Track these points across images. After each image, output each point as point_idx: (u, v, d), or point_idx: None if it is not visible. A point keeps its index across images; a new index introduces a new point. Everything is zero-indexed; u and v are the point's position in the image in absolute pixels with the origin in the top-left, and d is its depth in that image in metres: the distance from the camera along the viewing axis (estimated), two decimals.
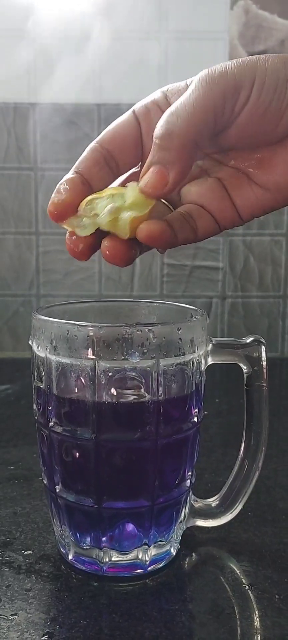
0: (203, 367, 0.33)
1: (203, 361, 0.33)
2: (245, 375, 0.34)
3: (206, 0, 0.77)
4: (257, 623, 0.29)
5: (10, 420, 0.57)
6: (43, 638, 0.27)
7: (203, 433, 0.35)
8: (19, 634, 0.27)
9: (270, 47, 0.77)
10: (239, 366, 0.34)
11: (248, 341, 0.34)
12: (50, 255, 0.81)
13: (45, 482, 0.33)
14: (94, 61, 0.77)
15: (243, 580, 0.32)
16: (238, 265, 0.82)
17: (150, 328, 0.30)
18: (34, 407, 0.34)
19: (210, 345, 0.34)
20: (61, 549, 0.34)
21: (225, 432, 0.56)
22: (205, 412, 0.35)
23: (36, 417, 0.33)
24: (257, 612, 0.29)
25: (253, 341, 0.34)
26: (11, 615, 0.29)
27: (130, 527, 0.31)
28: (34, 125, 0.79)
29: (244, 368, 0.34)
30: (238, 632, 0.28)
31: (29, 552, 0.34)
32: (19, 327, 0.82)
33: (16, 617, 0.29)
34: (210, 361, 0.34)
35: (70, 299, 0.81)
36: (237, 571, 0.33)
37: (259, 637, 0.28)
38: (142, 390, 0.30)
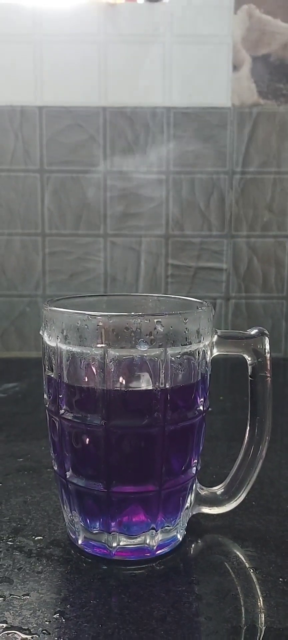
0: (208, 358, 0.34)
1: (208, 352, 0.34)
2: (249, 366, 0.35)
3: (210, 5, 0.78)
4: (260, 603, 0.29)
5: (18, 416, 0.58)
6: (55, 616, 0.28)
7: (208, 429, 0.36)
8: (31, 612, 0.28)
9: (273, 50, 0.78)
10: (243, 361, 0.35)
11: (252, 333, 0.35)
12: (57, 257, 0.82)
13: (55, 468, 0.34)
14: (100, 65, 0.79)
15: (248, 565, 0.33)
16: (242, 266, 0.83)
17: (158, 318, 0.31)
18: (45, 396, 0.35)
19: (216, 336, 0.35)
20: (71, 534, 0.34)
21: (230, 427, 0.57)
22: (210, 409, 0.35)
23: (47, 406, 0.34)
24: (260, 594, 0.30)
25: (257, 333, 0.35)
26: (23, 595, 0.30)
27: (138, 511, 0.32)
28: (41, 128, 0.80)
29: (248, 359, 0.35)
30: (243, 611, 0.29)
31: (39, 537, 0.35)
32: (25, 327, 0.83)
33: (28, 597, 0.29)
34: (215, 352, 0.35)
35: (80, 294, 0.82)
36: (242, 556, 0.34)
37: (263, 616, 0.28)
38: (150, 378, 0.31)
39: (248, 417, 0.35)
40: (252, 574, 0.32)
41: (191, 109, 0.80)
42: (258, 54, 0.78)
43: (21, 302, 0.83)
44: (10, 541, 0.35)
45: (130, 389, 0.31)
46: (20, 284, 0.83)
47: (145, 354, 0.31)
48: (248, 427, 0.35)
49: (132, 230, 0.82)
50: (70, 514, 0.34)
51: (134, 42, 0.79)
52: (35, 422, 0.56)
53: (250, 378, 0.35)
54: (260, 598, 0.30)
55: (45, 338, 0.34)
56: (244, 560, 0.33)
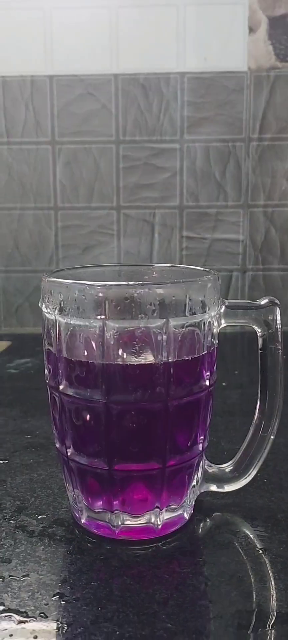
0: (215, 330, 0.33)
1: (215, 323, 0.32)
2: (259, 338, 0.33)
3: None
4: (270, 586, 0.28)
5: (29, 392, 0.58)
6: (54, 598, 0.27)
7: (222, 404, 0.34)
8: (30, 594, 0.27)
9: None
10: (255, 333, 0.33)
11: (262, 303, 0.33)
12: (70, 231, 0.81)
13: (57, 445, 0.33)
14: (111, 31, 0.76)
15: (257, 545, 0.31)
16: (259, 237, 0.81)
17: (159, 287, 0.29)
18: (46, 371, 0.34)
19: (223, 307, 0.33)
20: (74, 513, 0.33)
21: (244, 403, 0.55)
22: (224, 383, 0.34)
23: (47, 381, 0.33)
24: (270, 576, 0.29)
25: (267, 303, 0.33)
26: (23, 576, 0.29)
27: (141, 490, 0.31)
28: (52, 98, 0.78)
29: (258, 331, 0.33)
30: (250, 595, 0.27)
31: (42, 516, 0.34)
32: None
33: (28, 578, 0.29)
34: (223, 323, 0.33)
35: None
36: (251, 536, 0.32)
37: (272, 600, 0.27)
38: (152, 351, 0.30)
39: (259, 391, 0.34)
40: (261, 554, 0.30)
41: (206, 74, 0.77)
42: (276, 15, 0.74)
43: (35, 277, 0.82)
44: (13, 520, 0.34)
45: (131, 362, 0.30)
46: (34, 259, 0.82)
47: (147, 326, 0.29)
48: (258, 402, 0.34)
49: (146, 202, 0.80)
50: (73, 493, 0.33)
51: (146, 6, 0.76)
52: (45, 398, 0.55)
53: (260, 350, 0.34)
54: (270, 581, 0.28)
55: (44, 311, 0.33)
56: (254, 540, 0.32)
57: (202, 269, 0.35)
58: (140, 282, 0.30)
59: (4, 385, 0.60)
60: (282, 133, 0.78)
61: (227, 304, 0.33)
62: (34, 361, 0.68)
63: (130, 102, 0.78)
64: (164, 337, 0.30)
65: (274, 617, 0.26)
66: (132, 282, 0.30)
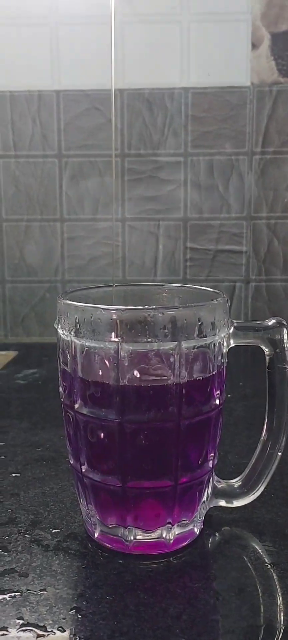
0: (225, 350, 0.34)
1: (225, 343, 0.33)
2: (266, 357, 0.34)
3: None
4: (279, 601, 0.29)
5: (38, 403, 0.59)
6: (71, 612, 0.28)
7: (227, 416, 0.35)
8: (48, 608, 0.28)
9: None
10: (261, 349, 0.34)
11: (270, 323, 0.34)
12: (75, 242, 0.82)
13: (71, 462, 0.34)
14: (116, 46, 0.78)
15: (266, 560, 0.32)
16: (262, 248, 0.82)
17: (171, 311, 0.31)
18: (60, 389, 0.35)
19: (232, 327, 0.34)
20: (88, 528, 0.35)
21: (250, 415, 0.56)
22: (229, 395, 0.35)
23: (62, 399, 0.34)
24: (279, 590, 0.30)
25: (275, 323, 0.34)
26: (40, 590, 0.30)
27: (154, 506, 0.32)
28: (58, 112, 0.79)
29: (266, 350, 0.34)
30: (261, 609, 0.28)
31: (56, 530, 0.35)
32: (45, 312, 0.84)
33: (45, 592, 0.30)
34: (232, 343, 0.34)
35: (95, 284, 0.82)
36: (260, 551, 0.33)
37: (281, 614, 0.28)
38: (165, 372, 0.31)
39: (266, 408, 0.35)
40: (270, 569, 0.31)
41: (209, 89, 0.78)
42: (278, 31, 0.75)
43: (41, 287, 0.83)
44: (28, 534, 0.35)
45: (145, 383, 0.31)
46: (40, 269, 0.83)
47: (160, 348, 0.30)
48: (266, 420, 0.35)
49: (150, 214, 0.81)
50: (86, 508, 0.34)
51: (151, 23, 0.77)
52: (54, 409, 0.56)
53: (267, 369, 0.35)
54: (279, 596, 0.29)
55: (60, 331, 0.34)
56: (263, 555, 0.33)
57: (211, 289, 0.36)
58: (153, 306, 0.31)
59: (13, 396, 0.61)
60: (284, 147, 0.79)
61: (235, 324, 0.34)
62: (41, 371, 0.69)
63: (135, 117, 0.79)
64: (176, 358, 0.31)
65: (284, 632, 0.27)
66: (146, 307, 0.31)
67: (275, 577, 0.31)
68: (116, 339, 0.30)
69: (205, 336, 0.32)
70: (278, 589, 0.30)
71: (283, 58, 0.77)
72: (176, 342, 0.30)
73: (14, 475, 0.43)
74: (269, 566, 0.32)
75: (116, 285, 0.39)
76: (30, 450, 0.47)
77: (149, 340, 0.30)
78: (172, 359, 0.31)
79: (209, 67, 0.78)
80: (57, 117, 0.79)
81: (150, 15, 0.77)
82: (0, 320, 0.84)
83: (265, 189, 0.80)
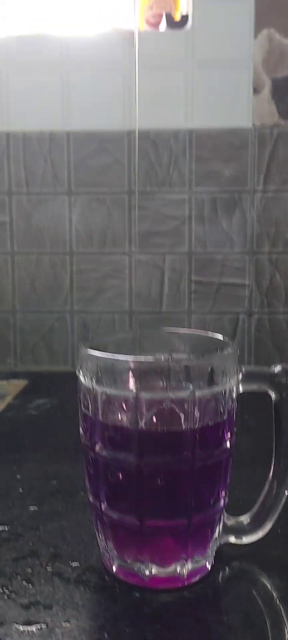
0: (234, 395, 0.36)
1: (234, 389, 0.36)
2: (273, 401, 0.37)
3: (230, 31, 0.80)
4: (286, 634, 0.31)
5: (50, 434, 0.61)
6: None
7: (234, 449, 0.38)
8: (73, 639, 0.31)
9: None
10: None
11: (276, 370, 0.37)
12: (84, 274, 0.85)
13: (90, 499, 0.37)
14: (124, 90, 0.81)
15: (274, 594, 0.35)
16: (265, 282, 0.85)
17: (186, 362, 0.33)
18: (81, 430, 0.37)
19: (241, 374, 0.37)
20: (105, 561, 0.37)
21: (255, 449, 0.58)
22: (235, 429, 0.37)
23: (82, 441, 0.37)
24: (287, 624, 0.32)
25: (281, 370, 0.37)
26: (64, 622, 0.32)
27: (169, 543, 0.34)
28: (68, 152, 0.83)
29: (272, 395, 0.37)
30: None
31: (76, 563, 0.37)
32: (54, 342, 0.86)
33: (68, 624, 0.32)
34: (241, 389, 0.37)
35: (103, 315, 0.84)
36: (268, 585, 0.35)
37: None
38: (180, 418, 0.33)
39: (273, 450, 0.37)
40: (278, 604, 0.34)
41: (213, 131, 0.82)
42: (279, 76, 0.79)
43: (50, 317, 0.86)
44: (49, 567, 0.37)
45: (161, 428, 0.33)
46: (50, 300, 0.86)
47: (175, 396, 0.33)
48: (273, 460, 0.37)
49: (156, 248, 0.84)
50: (104, 543, 0.36)
51: (157, 68, 0.81)
52: (66, 442, 0.58)
53: (274, 413, 0.37)
54: (286, 629, 0.32)
55: (81, 378, 0.36)
56: (271, 590, 0.35)
57: (220, 337, 0.39)
58: (169, 358, 0.33)
59: (27, 427, 0.64)
60: (285, 185, 0.83)
61: (244, 371, 0.37)
62: (52, 401, 0.72)
63: (142, 156, 0.82)
64: (190, 405, 0.33)
65: None
66: (162, 357, 0.34)
67: (283, 611, 0.33)
68: (135, 388, 0.33)
69: (217, 384, 0.34)
70: (286, 622, 0.32)
71: (283, 102, 0.80)
72: (190, 391, 0.33)
73: (32, 508, 0.45)
74: (277, 601, 0.34)
75: (131, 332, 0.42)
76: (46, 483, 0.49)
77: (165, 388, 0.33)
78: (186, 406, 0.33)
79: (212, 110, 0.81)
80: (67, 157, 0.83)
81: (156, 61, 0.81)
82: (10, 349, 0.86)
83: (266, 225, 0.83)
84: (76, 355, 0.88)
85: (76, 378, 0.37)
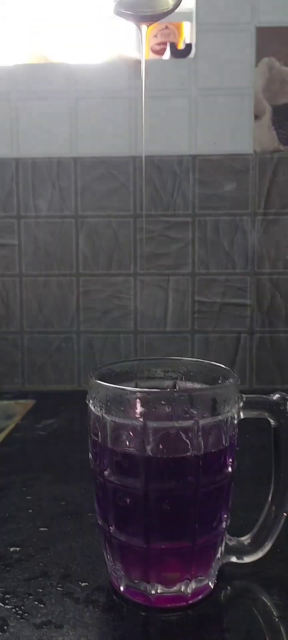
0: (235, 422, 0.38)
1: (235, 417, 0.38)
2: (272, 427, 0.39)
3: (232, 59, 0.83)
4: None
5: (58, 455, 0.63)
6: None
7: (236, 470, 0.39)
8: None
9: None
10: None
11: (274, 398, 0.39)
12: (90, 295, 0.87)
13: (99, 522, 0.39)
14: (130, 118, 0.84)
15: (274, 613, 0.36)
16: (266, 302, 0.87)
17: (190, 393, 0.35)
18: (90, 456, 0.39)
19: (242, 402, 0.39)
20: (113, 581, 0.39)
21: (257, 468, 0.60)
22: (236, 448, 0.39)
23: (92, 466, 0.39)
24: None
25: (279, 398, 0.39)
26: None
27: (174, 564, 0.36)
28: (76, 177, 0.85)
29: (272, 422, 0.39)
30: None
31: (85, 583, 0.39)
32: (61, 361, 0.88)
33: None
34: (241, 416, 0.39)
35: (108, 335, 0.86)
36: (268, 604, 0.37)
37: None
38: (184, 446, 0.35)
39: (273, 473, 0.39)
40: (278, 622, 0.35)
41: (215, 156, 0.84)
42: (279, 104, 0.82)
43: (57, 338, 0.88)
44: (59, 587, 0.39)
45: (167, 455, 0.35)
46: (57, 321, 0.88)
47: (180, 425, 0.35)
48: (272, 483, 0.39)
49: (161, 270, 0.87)
50: (113, 564, 0.38)
51: (161, 96, 0.84)
52: (73, 463, 0.60)
53: (273, 439, 0.39)
54: None
55: (91, 406, 0.38)
56: (271, 608, 0.37)
57: (223, 366, 0.41)
58: (174, 389, 0.35)
59: (35, 448, 0.66)
60: (285, 209, 0.85)
61: (244, 399, 0.39)
62: (59, 421, 0.74)
63: (147, 181, 0.85)
64: (194, 434, 0.35)
65: None
66: (168, 389, 0.36)
67: (282, 629, 0.35)
68: (142, 417, 0.35)
69: (219, 413, 0.36)
70: (286, 639, 0.34)
71: (283, 128, 0.83)
72: (194, 421, 0.35)
73: (42, 529, 0.47)
74: (277, 619, 0.36)
75: (138, 360, 0.44)
76: (55, 504, 0.51)
77: (171, 417, 0.35)
78: (190, 434, 0.35)
79: (215, 136, 0.84)
80: (75, 182, 0.85)
81: (161, 89, 0.84)
82: (18, 368, 0.89)
83: (267, 247, 0.86)
84: (82, 375, 0.90)
85: (83, 397, 0.39)
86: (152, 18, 0.74)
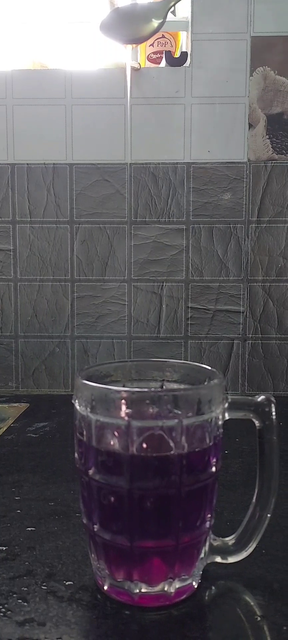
0: (220, 422, 0.38)
1: (220, 417, 0.38)
2: (257, 429, 0.39)
3: (227, 68, 0.83)
4: None
5: (49, 457, 0.63)
6: None
7: (224, 472, 0.40)
8: None
9: (287, 109, 0.82)
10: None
11: (259, 400, 0.39)
12: (84, 301, 0.88)
13: (84, 521, 0.39)
14: (125, 125, 0.84)
15: (257, 612, 0.36)
16: (258, 309, 0.87)
17: (174, 392, 0.36)
18: (76, 455, 0.39)
19: (227, 403, 0.39)
20: (97, 580, 0.39)
21: (245, 472, 0.60)
22: (226, 452, 0.39)
23: (77, 465, 0.39)
24: None
25: (264, 399, 0.39)
26: (57, 639, 0.34)
27: (158, 563, 0.37)
28: (71, 183, 0.86)
29: (257, 423, 0.39)
30: None
31: (70, 582, 0.39)
32: (54, 366, 0.89)
33: None
34: (227, 417, 0.39)
35: (102, 340, 0.87)
36: (252, 603, 0.37)
37: None
38: (168, 445, 0.36)
39: (257, 474, 0.39)
40: (260, 622, 0.36)
41: (209, 164, 0.85)
42: (273, 113, 0.82)
43: (51, 342, 0.89)
44: (44, 586, 0.39)
45: (151, 454, 0.36)
46: (51, 326, 0.88)
47: (164, 424, 0.35)
48: (257, 484, 0.39)
49: (154, 276, 0.87)
50: (97, 563, 0.38)
51: (157, 104, 0.84)
52: (64, 465, 0.60)
53: (258, 439, 0.39)
54: None
55: (77, 405, 0.39)
56: (254, 608, 0.37)
57: (209, 368, 0.41)
58: (159, 388, 0.36)
59: (26, 450, 0.66)
60: (278, 217, 0.86)
61: (230, 400, 0.39)
62: (51, 425, 0.74)
63: (142, 188, 0.85)
64: (178, 433, 0.36)
65: None
66: (152, 389, 0.36)
67: (265, 628, 0.35)
68: (126, 416, 0.35)
69: (203, 413, 0.36)
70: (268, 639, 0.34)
71: (277, 137, 0.83)
72: (178, 420, 0.35)
73: (29, 529, 0.47)
74: (259, 619, 0.36)
75: (124, 362, 0.44)
76: (44, 504, 0.51)
77: (155, 417, 0.35)
78: (174, 434, 0.35)
79: (209, 144, 0.85)
80: (70, 187, 0.86)
81: (156, 97, 0.84)
82: (12, 372, 0.89)
83: (260, 254, 0.86)
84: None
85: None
86: (137, 40, 0.75)
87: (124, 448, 0.35)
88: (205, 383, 0.40)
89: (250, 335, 0.88)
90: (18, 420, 0.76)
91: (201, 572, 0.39)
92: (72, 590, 0.38)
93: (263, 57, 0.82)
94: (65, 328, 0.88)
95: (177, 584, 0.37)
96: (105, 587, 0.38)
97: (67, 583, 0.39)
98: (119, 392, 0.36)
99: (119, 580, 0.37)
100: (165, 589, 0.37)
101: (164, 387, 0.43)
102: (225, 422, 0.39)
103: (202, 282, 0.87)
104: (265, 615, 0.36)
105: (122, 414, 0.35)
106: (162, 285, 0.87)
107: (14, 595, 0.38)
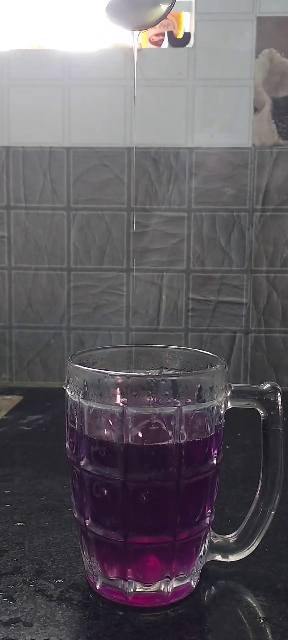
0: (222, 412, 0.36)
1: (222, 406, 0.36)
2: (262, 419, 0.37)
3: (232, 50, 0.81)
4: None
5: (41, 450, 0.61)
6: None
7: (225, 467, 0.37)
8: None
9: None
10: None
11: (265, 388, 0.36)
12: (81, 290, 0.85)
13: (75, 515, 0.36)
14: (125, 107, 0.82)
15: (259, 614, 0.34)
16: (262, 301, 0.84)
17: (173, 378, 0.33)
18: (67, 445, 0.37)
19: (229, 391, 0.36)
20: (89, 578, 0.36)
21: (247, 467, 0.58)
22: (227, 447, 0.37)
23: (69, 456, 0.36)
24: None
25: (269, 388, 0.36)
26: None
27: (153, 561, 0.34)
28: (68, 167, 0.83)
29: (261, 413, 0.36)
30: None
31: (59, 580, 0.37)
32: (50, 358, 0.86)
33: None
34: (229, 406, 0.36)
35: (99, 332, 0.84)
36: (253, 604, 0.35)
37: None
38: (166, 434, 0.33)
39: (261, 467, 0.37)
40: (263, 624, 0.33)
41: (213, 150, 0.82)
42: (279, 96, 0.80)
43: (46, 333, 0.86)
44: (32, 584, 0.36)
45: (147, 444, 0.33)
46: (46, 316, 0.86)
47: (162, 412, 0.33)
48: (260, 478, 0.37)
49: (154, 266, 0.84)
50: (89, 560, 0.36)
51: (158, 86, 0.82)
52: (57, 458, 0.58)
53: (262, 431, 0.37)
54: None
55: (68, 392, 0.36)
56: (256, 609, 0.34)
57: (210, 354, 0.39)
58: (156, 374, 0.33)
59: (18, 443, 0.63)
60: (283, 205, 0.83)
61: (233, 388, 0.37)
62: (45, 417, 0.71)
63: (142, 174, 0.83)
64: (177, 421, 0.33)
65: None
66: (149, 373, 0.33)
67: (268, 631, 0.32)
68: (121, 403, 0.33)
69: (204, 401, 0.34)
70: None
71: (283, 122, 0.81)
72: (177, 407, 0.33)
73: (19, 524, 0.44)
74: (262, 621, 0.33)
75: (121, 347, 0.42)
76: (35, 499, 0.49)
77: (152, 404, 0.33)
78: (172, 422, 0.33)
79: (213, 129, 0.82)
80: (67, 172, 0.83)
81: (158, 79, 0.82)
82: (6, 364, 0.86)
83: (265, 244, 0.83)
84: None
85: None
86: (144, 25, 0.72)
87: (119, 437, 0.33)
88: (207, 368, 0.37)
89: (253, 328, 0.85)
90: (11, 413, 0.73)
91: (200, 571, 0.36)
92: (62, 588, 0.36)
93: (269, 38, 0.80)
94: (61, 319, 0.86)
95: (174, 584, 0.34)
96: (98, 586, 0.35)
97: (56, 581, 0.37)
98: (113, 376, 0.33)
99: (112, 578, 0.35)
100: (162, 588, 0.34)
101: (162, 373, 0.40)
102: (227, 412, 0.36)
103: (204, 272, 0.84)
104: (268, 618, 0.33)
105: (117, 400, 0.33)
106: (162, 275, 0.84)
107: (0, 594, 0.35)
